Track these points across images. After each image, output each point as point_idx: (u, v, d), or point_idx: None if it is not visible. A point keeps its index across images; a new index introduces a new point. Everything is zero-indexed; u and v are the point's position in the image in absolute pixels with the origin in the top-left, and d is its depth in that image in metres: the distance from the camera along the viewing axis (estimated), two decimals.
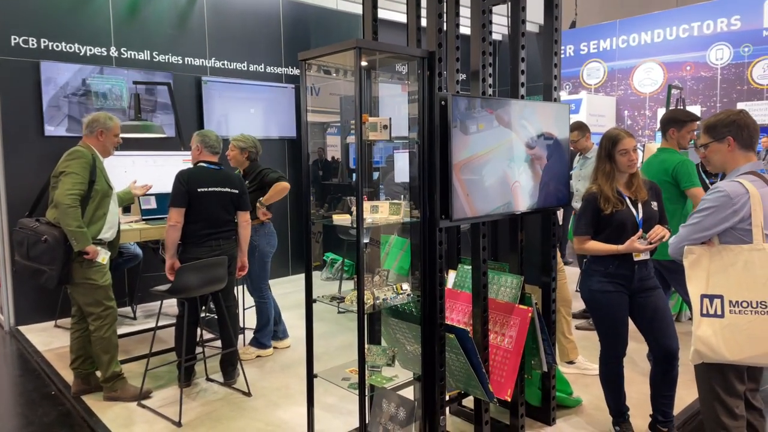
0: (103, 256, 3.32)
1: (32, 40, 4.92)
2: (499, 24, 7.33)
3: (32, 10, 4.90)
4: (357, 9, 5.89)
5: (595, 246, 2.72)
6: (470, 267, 2.98)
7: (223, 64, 6.10)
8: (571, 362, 3.68)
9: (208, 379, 3.69)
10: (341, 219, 2.30)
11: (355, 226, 2.19)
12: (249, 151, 3.94)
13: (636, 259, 2.69)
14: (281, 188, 3.88)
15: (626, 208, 2.66)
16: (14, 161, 4.85)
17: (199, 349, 3.71)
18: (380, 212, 2.30)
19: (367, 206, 2.31)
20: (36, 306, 5.03)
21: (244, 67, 6.26)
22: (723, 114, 2.25)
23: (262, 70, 6.40)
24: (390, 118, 2.44)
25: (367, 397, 2.29)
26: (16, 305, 4.97)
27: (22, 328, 4.92)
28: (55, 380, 3.75)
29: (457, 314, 2.91)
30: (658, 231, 2.55)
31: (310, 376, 2.45)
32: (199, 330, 3.61)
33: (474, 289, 2.59)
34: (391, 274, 3.60)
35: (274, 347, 4.18)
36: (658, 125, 3.71)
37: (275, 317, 4.16)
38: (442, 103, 2.26)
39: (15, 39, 4.82)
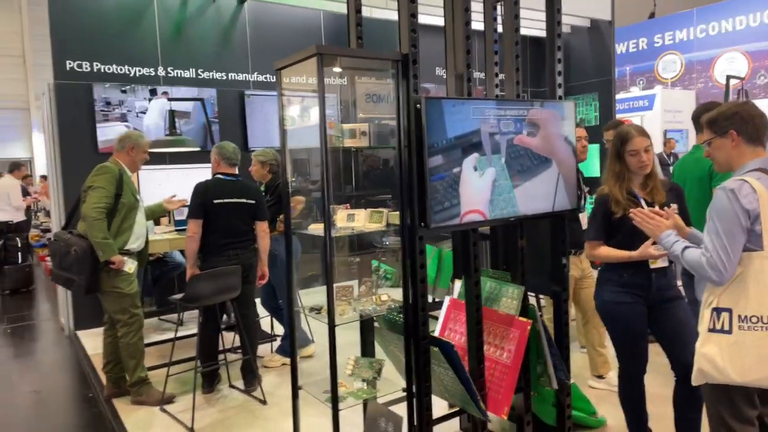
0: (130, 266, 3.48)
1: (85, 64, 5.28)
2: (533, 19, 7.05)
3: (84, 36, 5.26)
4: (393, 15, 5.86)
5: (607, 252, 2.51)
6: (481, 277, 2.85)
7: (266, 78, 6.26)
8: (600, 377, 3.43)
9: (231, 386, 3.76)
10: (317, 228, 2.26)
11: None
12: (270, 164, 4.01)
13: (652, 266, 2.45)
14: (295, 202, 3.92)
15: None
16: (72, 177, 5.21)
17: (222, 356, 3.79)
18: (357, 220, 2.23)
19: (343, 214, 2.26)
20: (93, 312, 5.36)
21: (286, 79, 6.39)
22: (725, 106, 2.00)
23: (304, 81, 6.50)
24: (369, 125, 2.38)
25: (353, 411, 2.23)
26: (75, 311, 5.33)
27: (80, 333, 5.26)
28: (95, 383, 3.97)
29: (462, 326, 2.77)
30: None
31: (295, 389, 2.42)
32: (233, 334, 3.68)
33: (466, 300, 2.46)
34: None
35: (300, 356, 4.20)
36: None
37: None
38: (417, 106, 2.16)
39: (70, 63, 5.20)
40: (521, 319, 2.52)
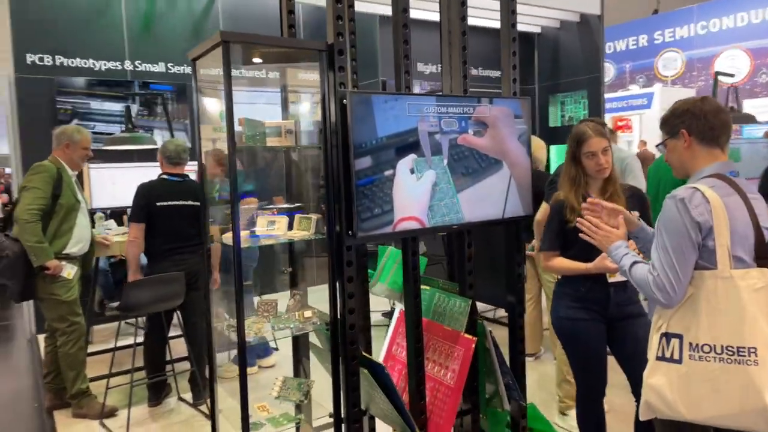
0: (69, 271, 3.27)
1: (47, 57, 5.08)
2: (535, 15, 6.80)
3: (46, 28, 5.06)
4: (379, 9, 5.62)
5: (562, 264, 2.29)
6: (430, 288, 2.64)
7: (240, 73, 6.04)
8: (565, 414, 3.16)
9: (180, 399, 3.56)
10: (229, 237, 2.04)
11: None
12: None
13: (611, 280, 2.23)
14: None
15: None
16: None
17: (171, 367, 3.59)
18: (278, 228, 2.02)
19: (263, 221, 2.05)
20: None
21: (263, 74, 6.18)
22: (678, 103, 1.77)
23: (239, 74, 6.28)
24: (296, 122, 2.16)
25: None
26: (37, 313, 5.14)
27: (41, 336, 5.06)
28: (43, 393, 3.77)
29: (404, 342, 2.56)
30: (630, 246, 2.07)
31: (213, 413, 2.21)
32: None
33: (405, 316, 2.24)
34: (383, 289, 3.31)
35: (259, 366, 4.00)
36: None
37: None
38: (343, 101, 1.94)
39: (30, 57, 5.00)
40: (466, 336, 2.30)
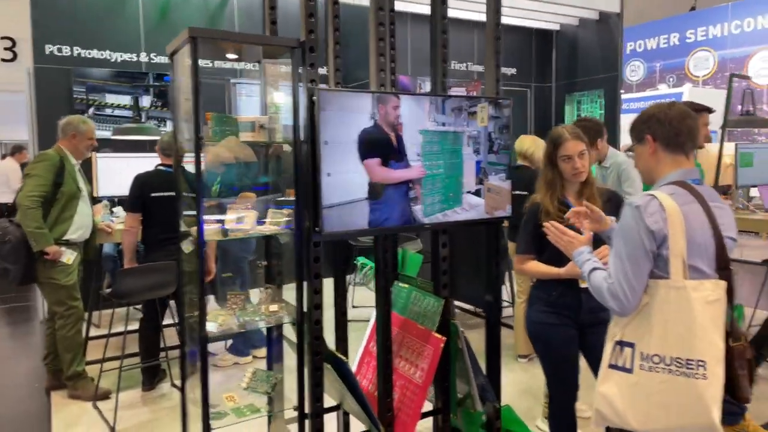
0: (69, 257, 3.38)
1: (65, 48, 5.22)
2: (554, 12, 6.69)
3: (65, 19, 5.20)
4: None
5: (536, 268, 2.26)
6: (405, 286, 2.64)
7: (254, 66, 6.11)
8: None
9: (173, 385, 3.64)
10: (208, 229, 2.07)
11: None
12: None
13: (582, 285, 2.20)
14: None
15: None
16: None
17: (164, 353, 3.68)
18: (246, 222, 2.04)
19: (233, 214, 2.08)
20: None
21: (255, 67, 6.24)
22: (646, 108, 1.73)
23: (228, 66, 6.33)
24: (270, 117, 2.18)
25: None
26: None
27: None
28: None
29: None
30: (603, 251, 2.04)
31: (184, 402, 2.26)
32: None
33: (376, 314, 2.25)
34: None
35: (254, 356, 4.06)
36: None
37: None
38: (313, 98, 1.95)
39: (49, 47, 5.15)
40: (436, 335, 2.30)
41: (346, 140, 1.98)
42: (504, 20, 6.98)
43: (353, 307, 4.62)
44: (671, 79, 13.29)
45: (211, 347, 4.27)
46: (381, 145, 2.02)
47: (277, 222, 2.11)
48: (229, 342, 4.15)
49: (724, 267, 1.58)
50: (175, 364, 3.74)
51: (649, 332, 1.56)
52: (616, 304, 1.59)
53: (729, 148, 4.19)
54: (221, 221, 2.07)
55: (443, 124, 2.29)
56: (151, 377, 3.57)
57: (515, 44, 6.85)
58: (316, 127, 1.93)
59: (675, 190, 1.60)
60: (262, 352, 4.11)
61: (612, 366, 1.63)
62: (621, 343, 1.62)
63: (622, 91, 13.22)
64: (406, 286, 2.63)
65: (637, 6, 12.58)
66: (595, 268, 1.71)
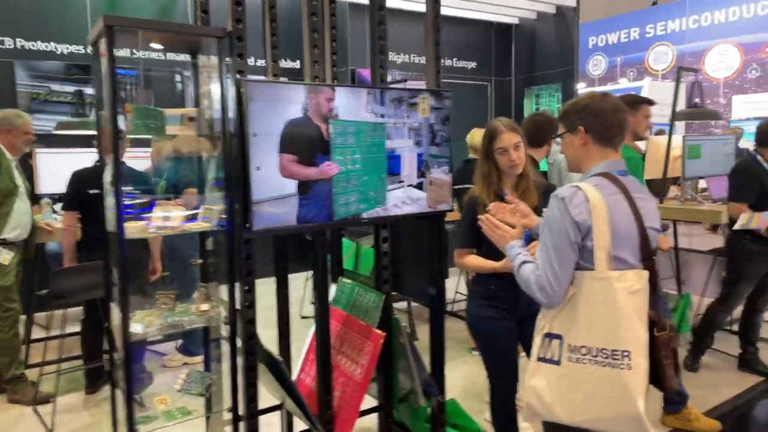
0: (5, 257, 3.24)
1: (7, 40, 5.00)
2: (513, 6, 6.71)
3: (7, 11, 4.98)
4: None
5: (474, 262, 2.25)
6: (349, 281, 2.60)
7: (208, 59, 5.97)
8: None
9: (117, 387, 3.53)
10: (132, 226, 1.99)
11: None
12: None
13: None
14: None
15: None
16: None
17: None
18: (173, 219, 1.97)
19: (159, 211, 2.00)
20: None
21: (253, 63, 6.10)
22: (580, 97, 1.72)
23: (252, 64, 6.22)
24: (200, 110, 2.11)
25: None
26: None
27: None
28: None
29: (332, 336, 2.52)
30: (535, 246, 2.02)
31: (114, 406, 2.18)
32: None
33: (315, 309, 2.20)
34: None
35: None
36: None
37: None
38: (241, 90, 1.89)
39: None
40: (376, 331, 2.26)
41: (276, 132, 1.92)
42: (464, 14, 6.97)
43: (312, 303, 4.57)
44: (632, 73, 13.51)
45: (161, 348, 4.18)
46: (306, 138, 1.96)
47: (209, 219, 2.04)
48: (180, 342, 4.05)
49: (647, 257, 1.58)
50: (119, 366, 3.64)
51: (576, 324, 1.55)
52: (543, 295, 1.57)
53: (677, 140, 4.25)
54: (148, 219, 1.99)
55: (382, 116, 2.25)
56: (95, 380, 3.46)
57: (475, 38, 6.85)
58: (244, 119, 1.87)
59: (600, 182, 1.60)
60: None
61: (540, 359, 1.62)
62: (549, 336, 1.61)
63: (583, 84, 13.42)
64: (350, 281, 2.59)
65: (600, 1, 12.76)
66: (524, 262, 1.69)
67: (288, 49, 5.66)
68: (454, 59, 6.72)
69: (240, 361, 2.04)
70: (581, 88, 13.76)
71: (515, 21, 6.87)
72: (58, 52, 5.23)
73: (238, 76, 1.92)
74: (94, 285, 3.11)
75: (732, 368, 3.69)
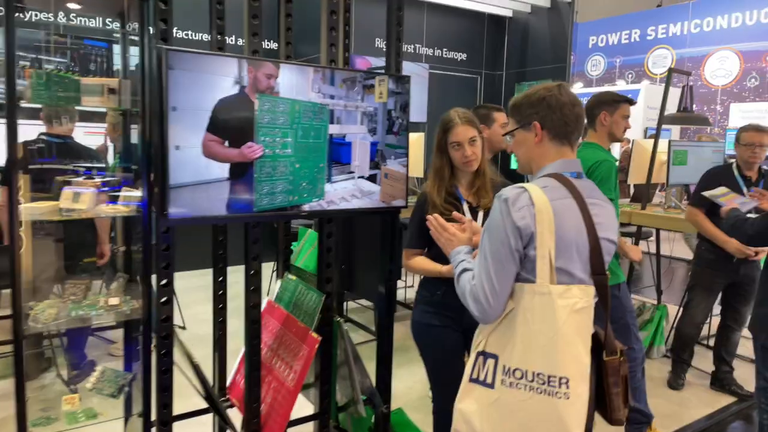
0: None
1: None
2: None
3: None
4: None
5: (420, 264, 2.06)
6: (293, 278, 2.41)
7: (186, 35, 5.75)
8: None
9: (58, 375, 3.34)
10: (38, 207, 1.79)
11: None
12: None
13: None
14: None
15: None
16: None
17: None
18: (82, 201, 1.77)
19: (69, 193, 1.80)
20: None
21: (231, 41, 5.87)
22: (534, 89, 1.52)
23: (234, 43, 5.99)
24: (122, 81, 1.90)
25: None
26: None
27: None
28: None
29: (267, 335, 2.33)
30: None
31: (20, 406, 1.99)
32: None
33: (245, 309, 2.01)
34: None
35: None
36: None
37: None
38: (161, 58, 1.68)
39: None
40: (313, 334, 2.07)
41: (203, 107, 1.71)
42: (457, 3, 6.71)
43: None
44: (630, 76, 13.32)
45: (108, 335, 3.98)
46: (236, 117, 1.75)
47: (129, 203, 1.84)
48: None
49: (598, 271, 1.39)
50: (61, 352, 3.44)
51: (512, 343, 1.36)
52: (477, 308, 1.38)
53: (664, 145, 4.07)
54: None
55: (331, 97, 2.04)
56: (35, 366, 3.26)
57: (467, 29, 6.63)
58: (164, 92, 1.66)
59: (549, 183, 1.40)
60: None
61: (473, 380, 1.43)
62: (484, 354, 1.42)
63: (580, 84, 13.20)
64: (294, 278, 2.40)
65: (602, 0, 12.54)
66: (465, 269, 1.50)
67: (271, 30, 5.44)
68: (444, 50, 6.50)
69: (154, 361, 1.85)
70: (578, 89, 13.62)
71: (509, 13, 6.64)
72: (26, 20, 4.97)
73: (160, 43, 1.71)
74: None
75: (705, 386, 3.53)
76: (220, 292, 2.34)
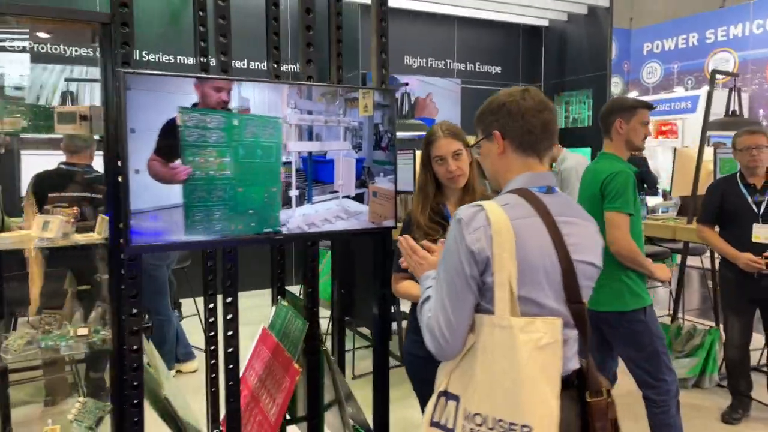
0: None
1: None
2: (542, 8, 6.27)
3: None
4: None
5: (406, 289, 1.90)
6: (286, 304, 2.31)
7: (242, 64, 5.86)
8: None
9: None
10: (9, 236, 1.77)
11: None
12: None
13: None
14: None
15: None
16: None
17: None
18: (50, 230, 1.73)
19: (39, 221, 1.77)
20: None
21: (243, 65, 5.98)
22: (496, 95, 1.36)
23: (245, 66, 6.06)
24: (92, 107, 1.87)
25: None
26: None
27: None
28: None
29: (259, 364, 2.24)
30: None
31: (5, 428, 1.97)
32: None
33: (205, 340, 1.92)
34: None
35: (178, 370, 3.76)
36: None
37: (177, 337, 3.75)
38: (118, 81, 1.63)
39: None
40: (295, 365, 1.95)
41: (158, 128, 1.64)
42: (490, 16, 6.55)
43: None
44: (690, 82, 12.61)
45: None
46: (201, 139, 1.67)
47: (99, 230, 1.80)
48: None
49: (574, 299, 1.20)
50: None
51: (473, 383, 1.19)
52: (433, 344, 1.22)
53: (710, 153, 3.73)
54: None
55: (309, 112, 1.94)
56: (62, 390, 3.30)
57: (501, 41, 6.45)
58: (122, 115, 1.61)
59: (511, 200, 1.23)
60: (189, 366, 3.82)
61: (434, 423, 1.26)
62: (446, 395, 1.25)
63: (636, 93, 12.60)
64: (286, 304, 2.30)
65: (656, 4, 12.01)
66: (429, 297, 1.34)
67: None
68: (477, 63, 6.33)
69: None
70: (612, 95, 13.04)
71: (545, 23, 6.41)
72: (66, 55, 5.22)
73: (121, 68, 1.67)
74: None
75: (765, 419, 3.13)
76: (212, 319, 2.28)
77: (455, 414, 1.22)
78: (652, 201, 9.27)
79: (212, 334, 2.27)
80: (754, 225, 2.86)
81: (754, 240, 2.85)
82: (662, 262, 4.48)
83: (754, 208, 2.90)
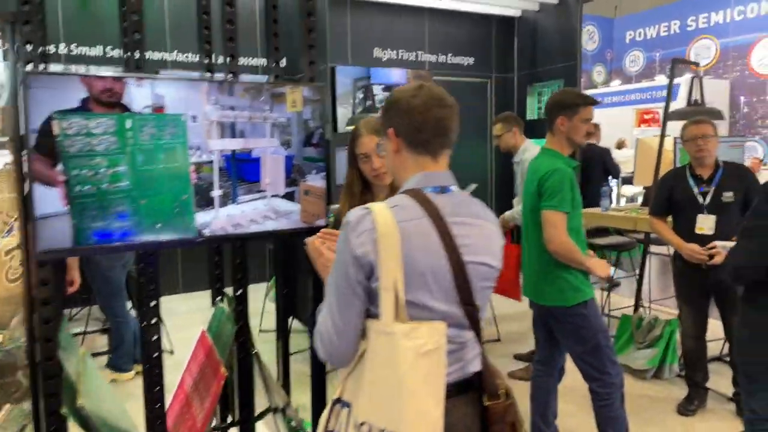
0: None
1: None
2: None
3: None
4: None
5: None
6: (223, 305, 2.27)
7: (187, 57, 5.78)
8: None
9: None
10: None
11: None
12: None
13: None
14: None
15: None
16: None
17: None
18: None
19: None
20: None
21: (187, 58, 5.87)
22: (394, 91, 1.31)
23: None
24: (4, 108, 1.81)
25: None
26: None
27: None
28: None
29: (195, 367, 2.20)
30: None
31: None
32: None
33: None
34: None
35: (137, 372, 3.72)
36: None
37: (135, 339, 3.70)
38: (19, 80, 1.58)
39: None
40: (222, 369, 1.92)
41: (65, 132, 1.59)
42: (462, 6, 6.46)
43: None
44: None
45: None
46: (106, 137, 1.61)
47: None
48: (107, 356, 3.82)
49: (466, 301, 1.17)
50: None
51: (362, 391, 1.16)
52: (322, 348, 1.19)
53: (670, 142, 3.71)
54: None
55: (231, 108, 1.89)
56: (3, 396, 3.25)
57: (473, 32, 6.39)
58: (26, 117, 1.56)
59: (401, 201, 1.19)
60: (126, 375, 3.77)
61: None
62: (340, 402, 1.22)
63: (618, 81, 12.58)
64: (222, 306, 2.26)
65: None
66: None
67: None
68: (449, 55, 6.27)
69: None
70: (616, 86, 13.00)
71: (517, 13, 6.36)
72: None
73: (25, 66, 1.62)
74: None
75: (728, 412, 3.11)
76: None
77: (347, 422, 1.19)
78: (630, 190, 9.29)
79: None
80: (698, 216, 2.85)
81: (697, 231, 2.84)
82: (628, 253, 4.48)
83: (699, 198, 2.89)
